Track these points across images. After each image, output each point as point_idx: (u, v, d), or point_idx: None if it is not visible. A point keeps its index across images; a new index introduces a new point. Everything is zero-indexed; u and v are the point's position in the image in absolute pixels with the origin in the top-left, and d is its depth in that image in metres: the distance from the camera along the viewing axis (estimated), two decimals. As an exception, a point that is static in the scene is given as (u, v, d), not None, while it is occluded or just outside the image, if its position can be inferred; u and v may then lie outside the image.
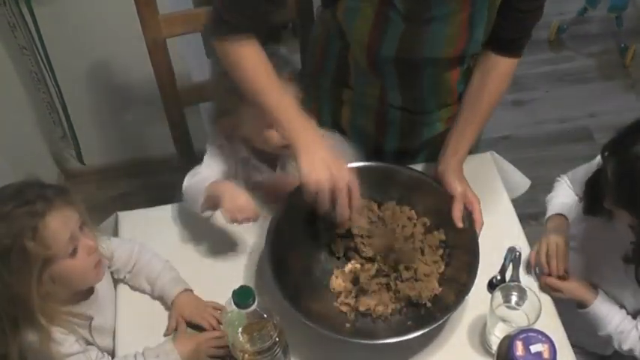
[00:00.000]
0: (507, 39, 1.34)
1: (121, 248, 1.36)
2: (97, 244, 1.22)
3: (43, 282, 1.13)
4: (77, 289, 1.24)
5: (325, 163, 1.19)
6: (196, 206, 1.36)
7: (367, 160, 1.46)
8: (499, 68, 1.37)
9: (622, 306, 1.34)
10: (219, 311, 1.32)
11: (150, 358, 1.23)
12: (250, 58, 1.27)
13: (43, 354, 1.16)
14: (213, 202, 1.34)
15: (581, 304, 1.34)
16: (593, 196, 1.30)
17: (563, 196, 1.46)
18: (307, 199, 1.20)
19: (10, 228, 1.09)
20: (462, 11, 1.26)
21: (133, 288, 1.39)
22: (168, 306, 1.35)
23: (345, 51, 1.44)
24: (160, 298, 1.36)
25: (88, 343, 1.24)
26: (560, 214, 1.43)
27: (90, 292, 1.27)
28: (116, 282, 1.39)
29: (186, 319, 1.31)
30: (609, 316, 1.32)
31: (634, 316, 1.33)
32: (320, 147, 1.21)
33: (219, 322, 1.30)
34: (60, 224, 1.13)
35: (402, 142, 1.57)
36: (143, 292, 1.38)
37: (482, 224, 1.32)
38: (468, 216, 1.32)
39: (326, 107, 1.59)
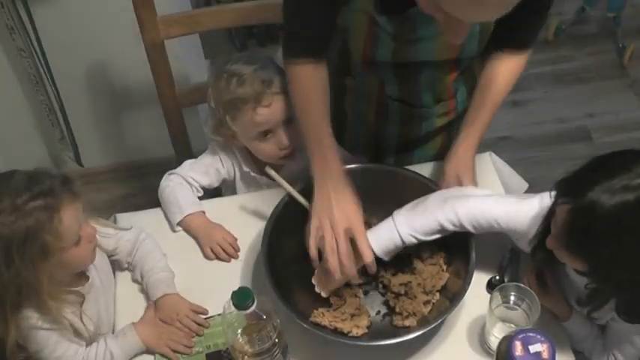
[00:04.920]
0: (513, 36, 1.34)
1: (126, 236, 1.38)
2: (95, 231, 1.24)
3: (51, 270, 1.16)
4: (73, 272, 1.26)
5: (334, 209, 1.23)
6: (172, 219, 1.46)
7: (366, 153, 1.48)
8: (508, 63, 1.38)
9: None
10: (201, 315, 1.32)
11: (110, 339, 1.26)
12: (308, 79, 1.32)
13: (39, 332, 1.19)
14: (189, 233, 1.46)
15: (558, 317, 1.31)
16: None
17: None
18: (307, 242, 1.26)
19: (26, 220, 1.11)
20: None
21: (133, 279, 1.40)
22: None
23: (348, 42, 1.44)
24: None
25: (77, 333, 1.24)
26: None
27: (85, 279, 1.29)
28: (118, 271, 1.41)
29: (161, 320, 1.31)
30: (582, 334, 1.29)
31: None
32: (335, 187, 1.25)
33: (197, 334, 1.30)
34: (72, 218, 1.16)
35: (402, 130, 1.58)
36: (139, 284, 1.39)
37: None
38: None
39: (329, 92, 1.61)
